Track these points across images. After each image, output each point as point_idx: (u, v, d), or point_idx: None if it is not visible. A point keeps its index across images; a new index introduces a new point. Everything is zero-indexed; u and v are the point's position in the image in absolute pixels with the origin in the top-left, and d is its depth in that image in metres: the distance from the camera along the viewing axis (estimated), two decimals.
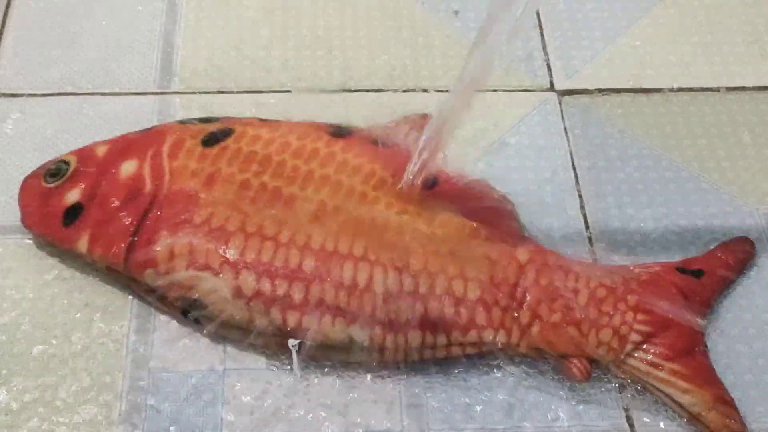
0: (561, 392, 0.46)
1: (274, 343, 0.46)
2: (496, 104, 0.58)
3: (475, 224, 0.47)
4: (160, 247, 0.45)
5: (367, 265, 0.44)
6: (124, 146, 0.50)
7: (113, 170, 0.48)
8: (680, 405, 0.44)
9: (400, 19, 0.62)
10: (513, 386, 0.47)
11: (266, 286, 0.44)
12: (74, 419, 0.45)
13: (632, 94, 0.58)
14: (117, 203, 0.47)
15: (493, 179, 0.54)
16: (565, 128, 0.57)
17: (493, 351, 0.46)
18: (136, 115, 0.56)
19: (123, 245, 0.46)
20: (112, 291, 0.49)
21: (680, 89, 0.59)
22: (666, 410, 0.46)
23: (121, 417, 0.45)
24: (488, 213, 0.48)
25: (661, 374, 0.45)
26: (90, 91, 0.57)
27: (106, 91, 0.57)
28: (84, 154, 0.50)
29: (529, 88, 0.59)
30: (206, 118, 0.52)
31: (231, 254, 0.45)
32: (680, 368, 0.45)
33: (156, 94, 0.57)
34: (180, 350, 0.47)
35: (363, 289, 0.44)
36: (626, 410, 0.46)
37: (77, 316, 0.48)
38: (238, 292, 0.45)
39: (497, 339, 0.45)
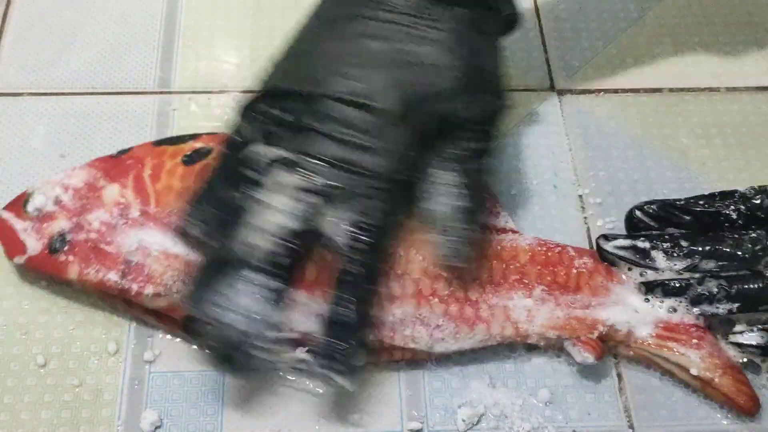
0: (560, 393, 0.46)
1: (279, 354, 0.45)
2: None
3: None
4: (156, 271, 0.45)
5: None
6: (104, 172, 0.49)
7: (96, 196, 0.48)
8: (691, 373, 0.45)
9: None
10: (512, 387, 0.47)
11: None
12: (75, 419, 0.45)
13: (632, 94, 0.58)
14: (104, 229, 0.47)
15: (492, 179, 0.54)
16: (565, 128, 0.57)
17: (503, 343, 0.46)
18: (136, 115, 0.56)
19: (116, 270, 0.46)
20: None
21: (680, 89, 0.59)
22: (666, 411, 0.46)
23: (121, 418, 0.45)
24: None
25: (673, 345, 0.45)
26: (90, 91, 0.57)
27: (106, 91, 0.57)
28: (63, 181, 0.49)
29: (529, 88, 0.59)
30: (179, 137, 0.51)
31: None
32: (691, 338, 0.45)
33: (156, 93, 0.57)
34: (179, 350, 0.47)
35: None
36: (626, 411, 0.46)
37: (76, 321, 0.48)
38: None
39: (505, 332, 0.45)
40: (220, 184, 0.44)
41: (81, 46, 0.59)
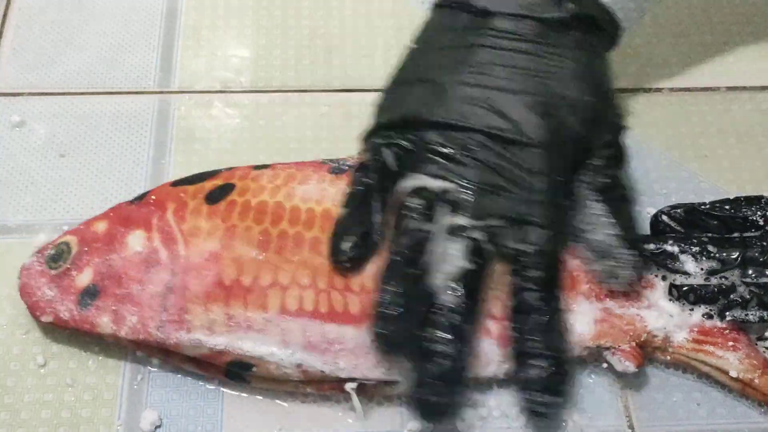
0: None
1: (327, 387, 0.45)
2: None
3: None
4: (195, 317, 0.44)
5: None
6: (124, 218, 0.47)
7: (120, 245, 0.46)
8: (730, 376, 0.45)
9: (400, 18, 0.62)
10: (513, 387, 0.47)
11: (315, 334, 0.43)
12: (75, 419, 0.45)
13: (632, 94, 0.58)
14: (135, 278, 0.45)
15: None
16: None
17: None
18: (136, 115, 0.56)
19: (153, 321, 0.44)
20: None
21: (680, 89, 0.59)
22: (666, 411, 0.46)
23: (121, 418, 0.45)
24: None
25: (711, 348, 0.45)
26: (90, 91, 0.57)
27: (106, 90, 0.57)
28: (83, 233, 0.47)
29: None
30: (197, 176, 0.49)
31: (272, 311, 0.44)
32: (727, 341, 0.45)
33: (156, 93, 0.57)
34: None
35: None
36: (626, 411, 0.46)
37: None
38: (285, 344, 0.43)
39: None
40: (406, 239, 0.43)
41: (81, 46, 0.59)
